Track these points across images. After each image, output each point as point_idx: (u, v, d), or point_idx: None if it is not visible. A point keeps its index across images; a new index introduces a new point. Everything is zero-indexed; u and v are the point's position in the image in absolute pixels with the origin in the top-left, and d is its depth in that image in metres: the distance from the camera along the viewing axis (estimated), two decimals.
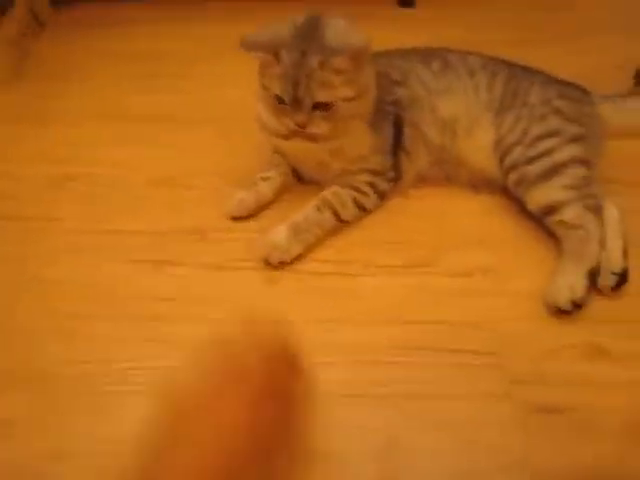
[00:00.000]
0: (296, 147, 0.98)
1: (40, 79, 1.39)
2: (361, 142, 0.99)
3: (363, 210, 1.01)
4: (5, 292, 0.95)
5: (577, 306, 0.88)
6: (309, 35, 0.89)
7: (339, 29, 0.91)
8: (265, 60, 0.90)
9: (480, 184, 1.06)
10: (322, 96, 0.89)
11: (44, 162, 1.17)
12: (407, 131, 1.03)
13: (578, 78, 1.10)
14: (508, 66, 1.08)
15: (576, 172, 0.96)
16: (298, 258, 0.96)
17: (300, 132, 0.93)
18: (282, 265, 0.94)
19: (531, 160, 0.97)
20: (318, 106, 0.90)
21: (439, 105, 1.03)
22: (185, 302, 0.93)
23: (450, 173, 1.07)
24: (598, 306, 0.90)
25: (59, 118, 1.28)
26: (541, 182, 0.96)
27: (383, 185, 1.02)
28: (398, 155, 1.03)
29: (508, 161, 1.00)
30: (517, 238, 1.00)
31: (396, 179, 1.04)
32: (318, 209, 0.97)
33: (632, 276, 0.91)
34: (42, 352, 0.87)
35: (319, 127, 0.91)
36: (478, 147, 1.03)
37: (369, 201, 1.01)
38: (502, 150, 1.01)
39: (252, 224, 1.03)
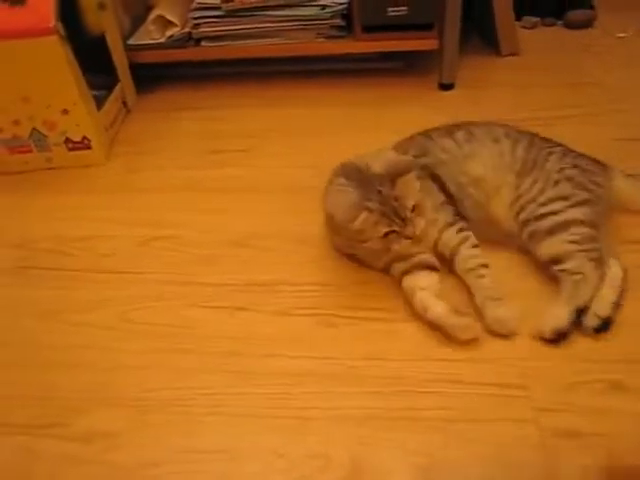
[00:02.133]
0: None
1: (128, 156, 1.65)
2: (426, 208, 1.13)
3: (477, 247, 1.15)
4: (102, 331, 1.14)
5: (561, 335, 1.03)
6: (367, 180, 1.07)
7: (382, 159, 1.10)
8: (365, 220, 1.06)
9: (500, 240, 1.20)
10: (410, 201, 1.06)
11: (134, 225, 1.39)
12: (450, 184, 1.19)
13: (600, 150, 1.26)
14: (530, 135, 1.25)
15: (581, 230, 1.10)
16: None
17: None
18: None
19: (542, 217, 1.13)
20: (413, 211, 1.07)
21: (467, 168, 1.20)
22: (255, 340, 1.10)
23: (483, 231, 1.20)
24: (610, 346, 1.03)
25: (144, 189, 1.52)
26: (549, 236, 1.11)
27: (462, 224, 1.16)
28: (454, 203, 1.19)
29: (522, 217, 1.15)
30: (533, 289, 1.14)
31: (466, 221, 1.18)
32: (481, 276, 1.10)
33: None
34: (135, 380, 1.05)
35: (420, 225, 1.08)
36: (501, 203, 1.19)
37: (472, 239, 1.15)
38: (518, 207, 1.16)
39: (317, 279, 1.21)
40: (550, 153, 1.22)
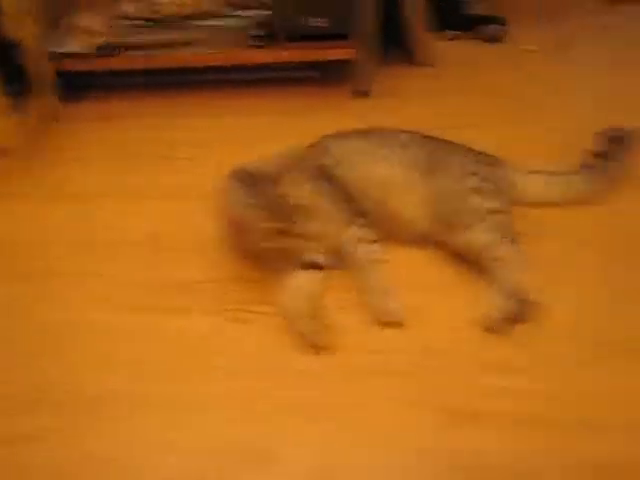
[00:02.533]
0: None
1: (53, 166, 1.64)
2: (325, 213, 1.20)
3: (375, 242, 1.20)
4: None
5: (503, 322, 1.08)
6: (250, 180, 1.15)
7: (253, 164, 1.19)
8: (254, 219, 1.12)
9: (413, 238, 1.27)
10: (294, 199, 1.14)
11: (69, 233, 1.39)
12: (345, 183, 1.25)
13: (521, 155, 1.36)
14: (433, 139, 1.33)
15: (496, 218, 1.19)
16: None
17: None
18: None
19: (458, 213, 1.20)
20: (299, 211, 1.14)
21: (371, 168, 1.27)
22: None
23: (389, 229, 1.27)
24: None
25: (67, 195, 1.52)
26: (470, 229, 1.18)
27: (361, 220, 1.22)
28: (351, 201, 1.24)
29: (439, 216, 1.23)
30: (445, 283, 1.19)
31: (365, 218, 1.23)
32: (371, 270, 1.16)
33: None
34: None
35: (311, 225, 1.16)
36: (408, 203, 1.25)
37: (369, 234, 1.20)
38: (432, 208, 1.23)
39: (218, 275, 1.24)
40: (453, 152, 1.30)
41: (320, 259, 1.20)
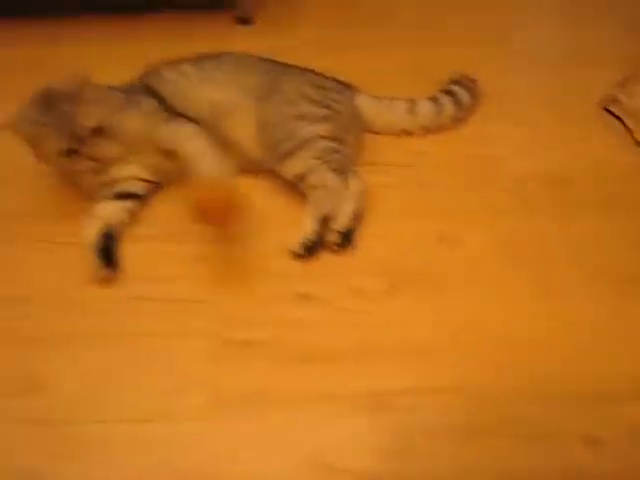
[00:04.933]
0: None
1: None
2: (133, 119, 1.11)
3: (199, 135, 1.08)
4: None
5: (309, 248, 1.03)
6: (52, 98, 1.05)
7: (63, 81, 1.06)
8: (36, 134, 1.04)
9: (246, 166, 1.18)
10: (92, 121, 1.04)
11: None
12: (169, 97, 1.16)
13: (368, 81, 1.27)
14: (273, 63, 1.23)
15: (321, 145, 1.11)
16: None
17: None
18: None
19: (282, 140, 1.12)
20: (96, 133, 1.05)
21: (200, 90, 1.17)
22: None
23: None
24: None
25: None
26: (292, 156, 1.10)
27: (180, 119, 1.12)
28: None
29: (266, 142, 1.14)
30: (267, 210, 1.12)
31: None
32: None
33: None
34: None
35: (110, 149, 1.08)
36: (242, 128, 1.16)
37: (189, 128, 1.10)
38: (261, 133, 1.15)
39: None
40: (290, 75, 1.20)
41: (136, 188, 1.13)
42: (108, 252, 1.04)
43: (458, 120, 1.29)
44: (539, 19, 1.72)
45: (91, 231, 1.06)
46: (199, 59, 1.23)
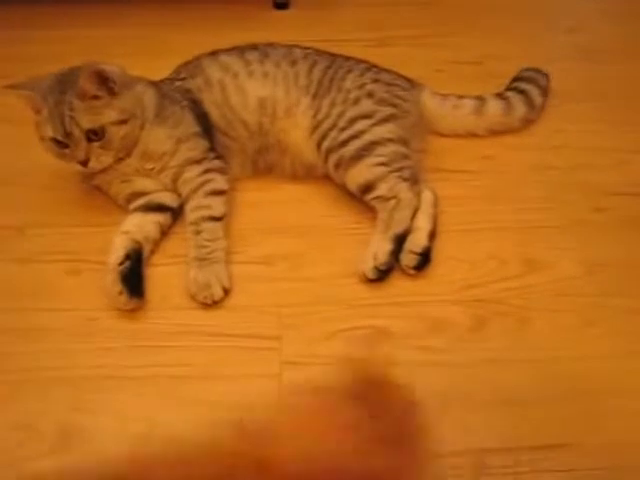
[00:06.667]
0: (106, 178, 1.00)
1: None
2: (159, 139, 0.99)
3: (220, 193, 0.99)
4: None
5: (383, 271, 0.91)
6: (67, 79, 0.93)
7: (88, 65, 0.92)
8: (33, 103, 0.93)
9: (301, 171, 1.07)
10: (87, 122, 0.91)
11: None
12: (213, 112, 1.04)
13: (426, 74, 1.16)
14: (330, 57, 1.10)
15: (389, 149, 0.98)
16: None
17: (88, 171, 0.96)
18: (227, 293, 0.91)
19: (345, 143, 0.99)
20: (91, 136, 0.92)
21: (248, 88, 1.04)
22: None
23: (273, 162, 1.07)
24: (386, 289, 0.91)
25: None
26: (355, 162, 0.97)
27: (215, 163, 1.01)
28: (214, 135, 1.04)
29: (325, 146, 1.01)
30: (330, 224, 1.01)
31: (222, 155, 1.04)
32: (197, 232, 0.94)
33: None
34: None
35: (100, 159, 0.94)
36: (298, 129, 1.04)
37: (217, 183, 0.99)
38: (319, 135, 1.02)
39: (65, 219, 1.04)
40: (349, 71, 1.07)
41: (166, 199, 1.00)
42: (133, 277, 0.90)
43: (529, 122, 1.17)
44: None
45: (116, 249, 0.93)
46: (241, 51, 1.10)
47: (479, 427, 0.76)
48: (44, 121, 0.92)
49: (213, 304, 0.89)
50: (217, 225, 0.95)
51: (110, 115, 0.92)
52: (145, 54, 1.38)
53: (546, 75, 1.19)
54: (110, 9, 1.56)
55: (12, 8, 1.57)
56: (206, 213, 0.95)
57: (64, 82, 0.92)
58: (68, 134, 0.91)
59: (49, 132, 0.92)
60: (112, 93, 0.93)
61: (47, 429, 0.78)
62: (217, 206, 0.97)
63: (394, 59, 1.15)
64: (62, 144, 0.93)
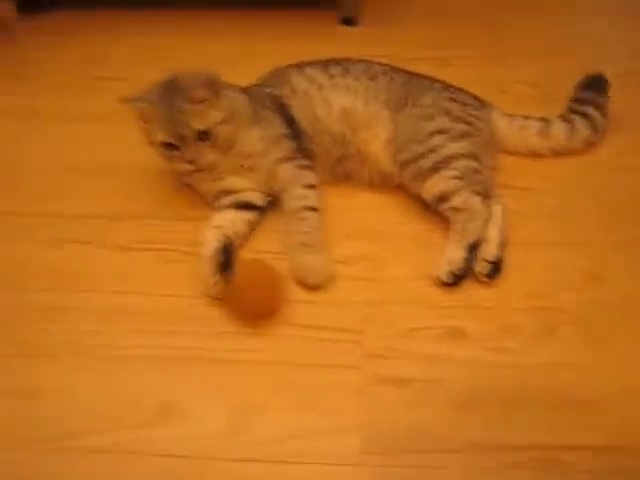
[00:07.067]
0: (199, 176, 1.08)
1: None
2: (253, 140, 1.07)
3: (313, 188, 1.06)
4: None
5: (457, 276, 0.98)
6: (173, 87, 1.01)
7: (191, 73, 1.01)
8: (145, 113, 1.01)
9: (377, 180, 1.14)
10: (199, 124, 0.99)
11: None
12: (301, 118, 1.12)
13: (492, 93, 1.22)
14: (407, 74, 1.18)
15: (463, 164, 1.05)
16: None
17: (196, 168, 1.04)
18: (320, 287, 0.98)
19: (422, 155, 1.06)
20: (201, 137, 1.00)
21: (332, 99, 1.12)
22: (85, 277, 1.02)
23: (352, 170, 1.15)
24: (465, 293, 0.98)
25: (7, 112, 1.39)
26: (432, 174, 1.04)
27: (304, 161, 1.08)
28: (302, 139, 1.11)
29: (403, 157, 1.08)
30: (405, 230, 1.08)
31: (309, 157, 1.10)
32: (301, 218, 1.02)
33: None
34: None
35: (208, 157, 1.02)
36: (377, 141, 1.11)
37: (310, 178, 1.07)
38: (397, 147, 1.09)
39: (158, 212, 1.13)
40: (426, 88, 1.15)
41: (254, 198, 1.08)
42: (226, 266, 0.98)
43: (591, 144, 1.22)
44: None
45: (209, 242, 1.01)
46: (324, 65, 1.18)
47: (548, 424, 0.82)
48: (156, 128, 1.00)
49: (316, 289, 0.97)
50: (317, 215, 1.03)
51: (216, 116, 1.00)
52: (223, 61, 1.46)
53: (607, 97, 1.23)
54: (193, 18, 1.66)
55: (106, 13, 1.72)
56: (307, 203, 1.03)
57: (171, 89, 1.00)
58: (181, 137, 0.99)
59: (162, 137, 1.00)
60: (217, 97, 1.01)
61: (148, 403, 0.85)
62: (314, 198, 1.04)
63: (457, 79, 1.21)
64: (172, 147, 1.01)
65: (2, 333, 0.94)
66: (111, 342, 0.92)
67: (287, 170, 1.07)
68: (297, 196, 1.04)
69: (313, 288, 0.97)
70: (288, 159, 1.07)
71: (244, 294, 0.91)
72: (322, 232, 1.01)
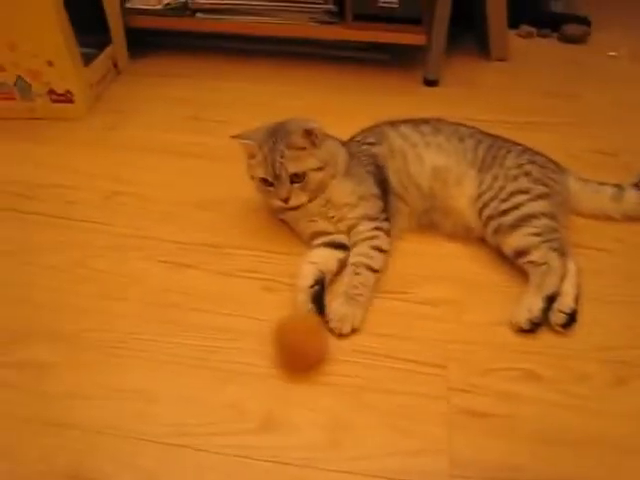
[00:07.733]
0: (295, 216, 1.21)
1: (110, 114, 1.69)
2: (344, 192, 1.19)
3: (382, 251, 1.16)
4: (57, 273, 1.19)
5: (535, 324, 1.06)
6: (278, 131, 1.15)
7: (296, 121, 1.16)
8: (251, 150, 1.15)
9: (460, 232, 1.24)
10: (293, 167, 1.12)
11: (103, 179, 1.44)
12: (393, 178, 1.23)
13: (568, 159, 1.32)
14: (492, 137, 1.29)
15: (542, 222, 1.15)
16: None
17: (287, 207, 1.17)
18: (354, 331, 1.07)
19: (505, 212, 1.16)
20: (294, 179, 1.13)
21: (425, 157, 1.24)
22: (195, 296, 1.14)
23: (437, 221, 1.26)
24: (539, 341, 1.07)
25: (118, 146, 1.56)
26: (513, 230, 1.14)
27: (384, 225, 1.19)
28: (389, 199, 1.23)
29: (486, 213, 1.19)
30: (484, 279, 1.17)
31: (389, 219, 1.21)
32: (355, 273, 1.11)
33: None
34: (75, 319, 1.09)
35: (298, 198, 1.15)
36: (464, 197, 1.22)
37: (382, 241, 1.17)
38: (481, 204, 1.20)
39: (260, 245, 1.25)
40: (509, 151, 1.26)
41: (345, 241, 1.20)
42: (319, 300, 1.09)
43: None
44: None
45: (305, 276, 1.12)
46: (415, 123, 1.30)
47: (624, 471, 0.89)
48: (257, 164, 1.15)
49: (339, 336, 1.06)
50: (372, 276, 1.12)
51: (311, 163, 1.14)
52: (318, 110, 1.59)
53: None
54: (292, 70, 1.86)
55: (208, 63, 1.92)
56: (368, 262, 1.13)
57: (276, 133, 1.14)
58: (277, 176, 1.13)
59: (260, 173, 1.14)
60: (314, 145, 1.14)
61: (254, 412, 0.95)
62: (377, 260, 1.14)
63: (533, 143, 1.30)
64: (269, 183, 1.15)
65: (125, 339, 1.07)
66: (222, 357, 1.03)
67: (366, 228, 1.17)
68: (363, 254, 1.14)
69: (337, 335, 1.06)
70: (371, 218, 1.18)
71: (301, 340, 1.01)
72: (370, 293, 1.11)
